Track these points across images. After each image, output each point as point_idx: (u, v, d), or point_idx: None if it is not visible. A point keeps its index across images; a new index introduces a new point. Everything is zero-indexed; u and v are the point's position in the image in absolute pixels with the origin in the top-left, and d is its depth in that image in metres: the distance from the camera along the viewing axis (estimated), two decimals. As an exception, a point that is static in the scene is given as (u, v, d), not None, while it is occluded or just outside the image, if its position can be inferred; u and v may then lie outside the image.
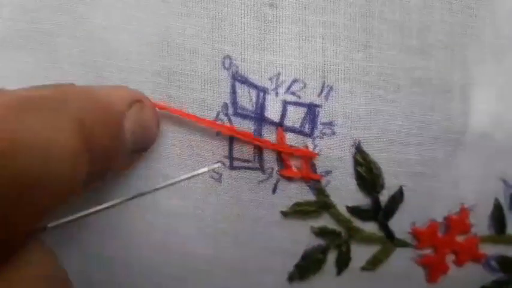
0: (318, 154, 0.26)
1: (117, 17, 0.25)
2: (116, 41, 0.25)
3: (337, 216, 0.27)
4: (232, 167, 0.26)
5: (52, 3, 0.25)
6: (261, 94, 0.26)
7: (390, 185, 0.27)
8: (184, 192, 0.26)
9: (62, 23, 0.25)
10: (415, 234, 0.27)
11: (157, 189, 0.25)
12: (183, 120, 0.25)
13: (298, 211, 0.26)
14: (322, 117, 0.26)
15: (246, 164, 0.26)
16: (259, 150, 0.26)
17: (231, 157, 0.26)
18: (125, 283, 0.28)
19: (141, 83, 0.25)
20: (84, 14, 0.25)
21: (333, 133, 0.26)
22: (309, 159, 0.26)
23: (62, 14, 0.25)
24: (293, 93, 0.26)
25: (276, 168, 0.26)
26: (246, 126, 0.25)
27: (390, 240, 0.27)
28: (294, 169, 0.26)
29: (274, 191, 0.26)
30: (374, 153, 0.26)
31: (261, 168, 0.26)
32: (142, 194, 0.25)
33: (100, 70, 0.25)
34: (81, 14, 0.25)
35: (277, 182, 0.26)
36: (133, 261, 0.27)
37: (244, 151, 0.26)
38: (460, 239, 0.28)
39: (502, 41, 0.27)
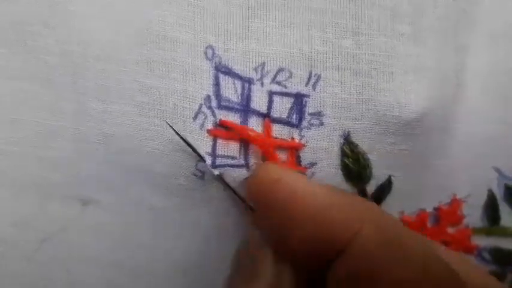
0: (304, 145, 0.25)
1: (95, 5, 0.24)
2: (93, 29, 0.24)
3: (323, 208, 0.26)
4: (214, 166, 0.25)
5: None
6: (246, 85, 0.25)
7: (380, 175, 0.26)
8: (167, 189, 0.26)
9: (36, 11, 0.24)
10: (403, 223, 0.27)
11: None
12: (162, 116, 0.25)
13: (283, 204, 0.26)
14: (310, 107, 0.25)
15: (230, 162, 0.25)
16: (245, 146, 0.25)
17: (214, 154, 0.25)
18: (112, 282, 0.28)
19: (120, 72, 0.24)
20: (60, 1, 0.24)
21: (321, 124, 0.25)
22: (294, 151, 0.25)
23: (36, 2, 0.24)
24: (279, 83, 0.25)
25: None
26: (232, 119, 0.25)
27: (377, 231, 0.27)
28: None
29: None
30: (366, 144, 0.25)
31: (247, 166, 0.25)
32: None
33: (77, 60, 0.24)
34: (57, 2, 0.24)
35: (262, 177, 0.26)
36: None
37: (229, 147, 0.25)
38: (451, 230, 0.27)
39: (497, 26, 0.25)
